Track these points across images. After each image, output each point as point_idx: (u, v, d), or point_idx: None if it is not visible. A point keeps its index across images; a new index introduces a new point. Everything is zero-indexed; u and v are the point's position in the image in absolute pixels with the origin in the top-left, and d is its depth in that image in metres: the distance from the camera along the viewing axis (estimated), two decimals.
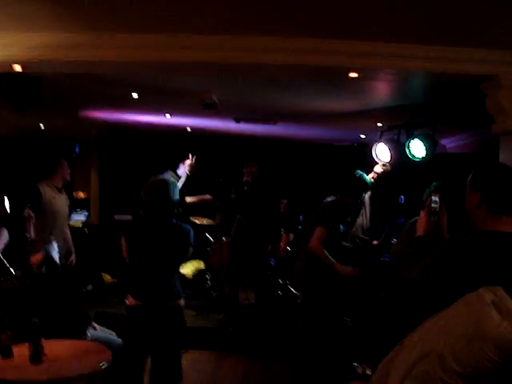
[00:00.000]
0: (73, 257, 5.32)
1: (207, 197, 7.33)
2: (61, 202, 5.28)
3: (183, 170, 6.71)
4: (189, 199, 7.13)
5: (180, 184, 6.66)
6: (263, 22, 3.38)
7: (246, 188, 6.75)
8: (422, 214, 2.51)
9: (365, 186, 4.75)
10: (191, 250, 3.76)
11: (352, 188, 4.68)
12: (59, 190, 5.30)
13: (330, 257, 4.42)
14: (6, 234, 4.35)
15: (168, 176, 6.51)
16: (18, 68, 3.98)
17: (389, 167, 6.25)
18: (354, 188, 4.68)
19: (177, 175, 6.75)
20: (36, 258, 4.17)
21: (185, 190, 6.78)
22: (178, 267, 3.86)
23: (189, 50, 3.61)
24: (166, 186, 3.66)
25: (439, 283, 2.06)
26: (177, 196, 3.69)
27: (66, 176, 5.35)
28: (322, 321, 4.63)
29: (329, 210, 4.54)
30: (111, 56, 3.71)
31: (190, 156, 6.54)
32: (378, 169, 6.26)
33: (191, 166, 6.52)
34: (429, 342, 1.91)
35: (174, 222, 3.68)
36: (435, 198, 2.49)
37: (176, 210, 3.70)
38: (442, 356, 1.83)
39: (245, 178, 7.11)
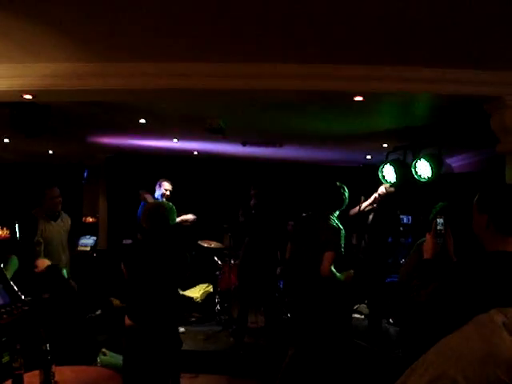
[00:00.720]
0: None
1: (189, 217, 7.27)
2: (53, 229, 5.32)
3: (160, 193, 6.78)
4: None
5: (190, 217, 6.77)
6: (267, 49, 3.43)
7: (253, 211, 6.78)
8: (428, 236, 2.52)
9: (341, 198, 4.70)
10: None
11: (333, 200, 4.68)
12: (52, 218, 5.37)
13: (338, 274, 4.51)
14: (15, 262, 4.39)
15: (143, 203, 6.61)
16: (28, 97, 4.06)
17: (392, 189, 6.31)
18: (334, 200, 4.68)
19: (155, 199, 6.80)
20: (41, 262, 4.21)
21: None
22: (174, 290, 3.85)
23: (195, 78, 3.67)
24: (163, 210, 3.73)
25: (448, 306, 2.06)
26: (174, 220, 3.75)
27: (52, 206, 5.36)
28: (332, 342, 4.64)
29: (336, 233, 4.56)
30: (118, 84, 3.77)
31: (165, 181, 6.66)
32: (381, 190, 6.31)
33: (166, 190, 6.65)
34: (440, 366, 1.90)
35: (173, 246, 3.73)
36: (440, 221, 2.51)
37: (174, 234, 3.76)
38: (454, 380, 1.82)
39: (252, 202, 7.15)
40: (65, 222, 5.55)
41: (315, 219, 4.69)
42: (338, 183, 4.75)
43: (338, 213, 4.70)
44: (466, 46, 3.27)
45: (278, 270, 6.93)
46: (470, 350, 1.92)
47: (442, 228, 2.48)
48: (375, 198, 6.41)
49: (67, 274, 5.21)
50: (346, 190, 4.73)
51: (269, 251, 6.56)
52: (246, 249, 6.60)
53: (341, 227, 4.56)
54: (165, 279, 3.68)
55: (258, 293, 6.49)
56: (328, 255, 4.44)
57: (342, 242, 4.53)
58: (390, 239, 6.57)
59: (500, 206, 2.10)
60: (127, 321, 3.67)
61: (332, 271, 4.44)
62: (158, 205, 3.89)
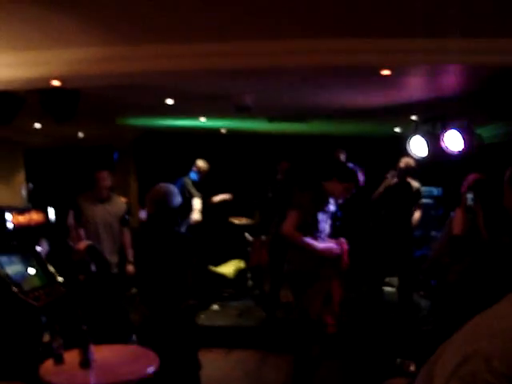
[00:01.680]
0: (128, 266, 5.38)
1: (226, 196, 7.41)
2: (97, 212, 5.42)
3: (195, 173, 6.94)
4: (214, 199, 7.28)
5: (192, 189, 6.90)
6: (293, 24, 3.39)
7: (279, 186, 6.85)
8: (458, 211, 2.50)
9: (353, 174, 4.42)
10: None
11: (340, 172, 4.48)
12: (101, 201, 5.47)
13: (307, 239, 4.21)
14: (45, 245, 4.51)
15: (181, 182, 6.74)
16: (56, 83, 4.11)
17: (412, 163, 6.26)
18: (343, 172, 4.46)
19: (191, 180, 6.96)
20: (81, 244, 4.33)
21: (201, 194, 7.02)
22: (181, 275, 3.78)
23: (220, 57, 3.66)
24: (164, 194, 3.74)
25: (480, 283, 2.05)
26: (176, 203, 3.74)
27: (101, 189, 5.47)
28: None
29: (303, 196, 4.42)
30: (145, 67, 3.78)
31: (200, 162, 6.78)
32: (403, 163, 6.28)
33: (201, 169, 6.78)
34: (474, 343, 1.89)
35: (176, 229, 3.79)
36: (470, 195, 2.48)
37: (177, 217, 3.78)
38: (487, 357, 1.81)
39: (278, 177, 7.20)
40: (114, 205, 5.60)
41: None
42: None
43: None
44: (491, 14, 3.16)
45: None
46: (503, 327, 1.90)
47: (471, 203, 2.45)
48: (396, 171, 6.39)
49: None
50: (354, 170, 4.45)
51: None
52: (277, 224, 6.61)
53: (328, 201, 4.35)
54: (171, 263, 3.70)
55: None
56: (291, 214, 4.27)
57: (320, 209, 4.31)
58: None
59: None
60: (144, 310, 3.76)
61: (295, 233, 4.21)
62: (156, 188, 3.86)
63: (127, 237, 5.56)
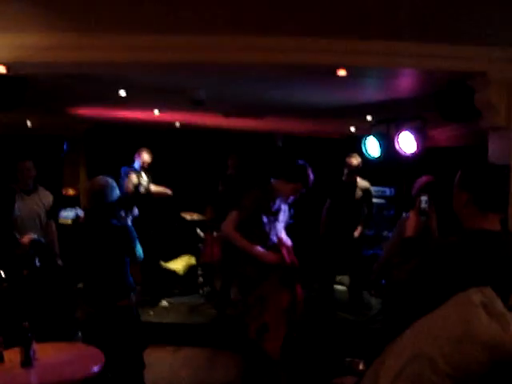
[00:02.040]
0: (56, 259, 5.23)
1: (163, 190, 7.25)
2: (26, 204, 5.18)
3: (138, 163, 6.77)
4: (153, 188, 7.12)
5: (142, 179, 6.75)
6: (249, 22, 3.35)
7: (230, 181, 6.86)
8: (412, 214, 2.52)
9: (302, 174, 4.25)
10: (138, 249, 3.77)
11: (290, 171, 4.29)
12: (26, 192, 5.25)
13: (245, 241, 4.07)
14: None
15: (124, 171, 6.60)
16: (1, 69, 3.93)
17: (359, 161, 6.35)
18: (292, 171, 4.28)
19: (134, 169, 6.79)
20: (25, 238, 4.17)
21: (150, 185, 6.87)
22: (121, 268, 3.78)
23: (175, 51, 3.58)
24: (101, 188, 3.71)
25: (428, 283, 2.08)
26: (113, 197, 3.71)
27: (26, 179, 5.25)
28: None
29: (248, 195, 4.27)
30: (96, 56, 3.66)
31: (144, 152, 6.65)
32: (349, 161, 6.34)
33: (145, 160, 6.64)
34: (419, 344, 1.92)
35: (114, 223, 3.72)
36: (424, 198, 2.51)
37: (115, 211, 3.75)
38: (432, 358, 1.84)
39: (229, 171, 7.20)
40: (41, 197, 5.40)
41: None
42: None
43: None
44: (448, 21, 3.22)
45: None
46: (447, 329, 1.94)
47: (425, 206, 2.48)
48: (345, 171, 6.45)
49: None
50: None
51: None
52: None
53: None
54: (110, 257, 3.68)
55: None
56: (231, 213, 4.16)
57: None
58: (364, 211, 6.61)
59: (478, 182, 2.13)
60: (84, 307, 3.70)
61: (229, 232, 4.11)
62: (93, 182, 3.84)
63: (53, 230, 5.42)
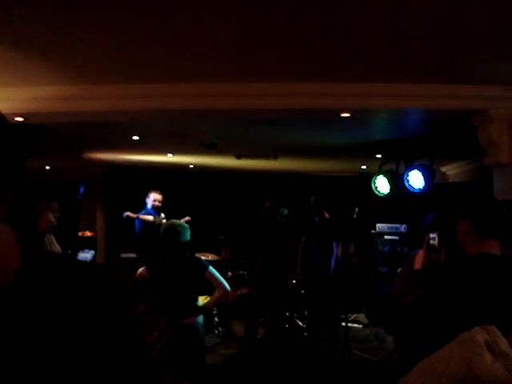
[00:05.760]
0: None
1: (148, 218, 7.18)
2: None
3: (150, 204, 6.82)
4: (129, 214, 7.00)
5: (150, 217, 6.77)
6: (257, 68, 3.48)
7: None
8: (421, 251, 2.58)
9: None
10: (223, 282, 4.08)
11: None
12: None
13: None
14: None
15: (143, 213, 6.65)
16: (19, 119, 4.10)
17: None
18: None
19: (147, 211, 6.83)
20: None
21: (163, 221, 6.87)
22: (194, 293, 4.08)
23: (183, 98, 3.72)
24: (176, 229, 4.01)
25: (435, 304, 2.14)
26: (188, 237, 4.04)
27: (46, 225, 5.17)
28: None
29: None
30: (107, 106, 3.84)
31: (154, 192, 6.72)
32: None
33: (155, 200, 6.69)
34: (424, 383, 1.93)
35: (188, 255, 4.06)
36: (433, 235, 2.56)
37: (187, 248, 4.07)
38: None
39: (262, 212, 7.09)
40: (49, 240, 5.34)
41: None
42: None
43: None
44: (450, 62, 3.32)
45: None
46: (451, 370, 1.94)
47: (434, 243, 2.52)
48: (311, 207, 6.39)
49: None
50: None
51: (285, 264, 6.46)
52: (263, 261, 6.39)
53: None
54: (186, 284, 3.94)
55: (271, 305, 6.45)
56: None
57: None
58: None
59: (479, 210, 2.26)
60: None
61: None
62: (170, 224, 4.12)
63: None
